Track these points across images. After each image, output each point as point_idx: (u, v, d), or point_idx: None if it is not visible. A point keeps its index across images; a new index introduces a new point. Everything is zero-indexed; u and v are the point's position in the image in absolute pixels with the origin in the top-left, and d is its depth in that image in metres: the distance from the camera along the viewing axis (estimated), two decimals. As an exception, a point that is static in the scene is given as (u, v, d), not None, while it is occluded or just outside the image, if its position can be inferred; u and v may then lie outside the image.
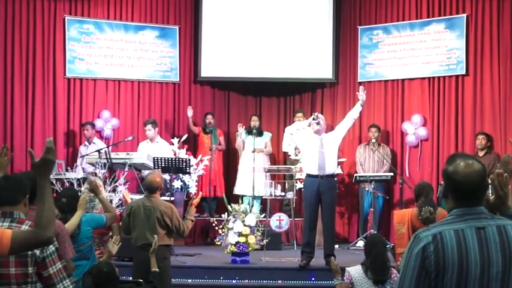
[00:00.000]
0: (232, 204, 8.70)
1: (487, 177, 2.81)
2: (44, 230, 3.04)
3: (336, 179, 8.85)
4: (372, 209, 10.37)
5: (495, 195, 3.00)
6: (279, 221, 9.30)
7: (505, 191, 2.99)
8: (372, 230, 10.15)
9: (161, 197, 6.81)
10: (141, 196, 6.94)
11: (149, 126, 10.74)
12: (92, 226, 5.92)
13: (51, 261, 3.38)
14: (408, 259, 2.72)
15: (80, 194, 6.22)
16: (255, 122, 11.23)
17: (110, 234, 6.53)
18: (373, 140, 10.69)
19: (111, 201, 8.39)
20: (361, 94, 8.55)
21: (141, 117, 11.54)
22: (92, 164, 9.62)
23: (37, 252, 3.33)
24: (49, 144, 3.00)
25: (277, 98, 12.43)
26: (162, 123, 11.70)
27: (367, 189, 10.45)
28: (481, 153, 10.03)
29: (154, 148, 10.55)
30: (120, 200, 8.57)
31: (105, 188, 7.97)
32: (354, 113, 8.58)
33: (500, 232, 2.74)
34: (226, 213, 8.68)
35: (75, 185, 8.49)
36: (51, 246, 3.36)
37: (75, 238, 5.69)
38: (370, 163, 10.78)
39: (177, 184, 10.33)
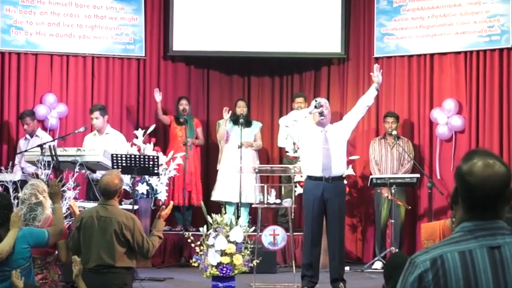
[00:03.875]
0: (213, 215, 8.67)
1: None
2: None
3: (345, 182, 8.86)
4: (392, 221, 10.34)
5: None
6: (273, 237, 9.29)
7: None
8: (393, 248, 10.14)
9: (121, 205, 6.80)
10: (95, 204, 6.90)
11: (96, 114, 10.66)
12: (29, 243, 5.90)
13: None
14: None
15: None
16: (241, 108, 11.23)
17: (56, 253, 6.48)
18: (391, 132, 10.67)
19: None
20: (377, 74, 8.54)
21: (95, 102, 11.49)
22: (33, 163, 9.56)
23: None
24: None
25: (271, 78, 12.44)
26: (122, 110, 11.74)
27: (385, 195, 10.45)
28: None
29: (104, 142, 10.50)
30: (68, 209, 8.52)
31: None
32: (367, 99, 8.57)
33: None
34: (205, 226, 8.65)
35: (11, 190, 8.42)
36: None
37: (8, 259, 5.66)
38: (388, 162, 10.80)
39: (141, 189, 10.33)
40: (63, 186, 8.67)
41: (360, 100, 8.73)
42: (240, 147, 10.54)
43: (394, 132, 10.63)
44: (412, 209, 10.79)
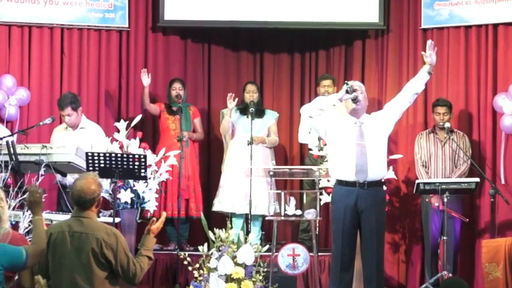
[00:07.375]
0: (216, 230, 8.70)
1: None
2: None
3: (384, 188, 8.84)
4: (444, 237, 10.31)
5: None
6: (293, 258, 9.36)
7: None
8: (445, 272, 10.11)
9: (99, 217, 6.79)
10: (67, 216, 6.89)
11: (68, 110, 10.47)
12: (2, 265, 5.90)
13: None
14: None
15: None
16: (251, 94, 11.27)
17: (16, 278, 6.49)
18: (443, 126, 10.67)
19: (16, 224, 8.36)
20: (429, 54, 8.44)
21: (65, 85, 11.55)
22: (-14, 164, 9.59)
23: None
24: None
25: (290, 55, 12.50)
26: (100, 96, 11.77)
27: (436, 204, 10.42)
28: None
29: (78, 137, 10.50)
30: (31, 223, 8.54)
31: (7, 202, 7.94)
32: (416, 85, 8.49)
33: None
34: (205, 245, 8.71)
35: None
36: None
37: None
38: (439, 162, 10.83)
39: (125, 197, 10.34)
40: (24, 193, 8.68)
41: (407, 85, 8.62)
42: (250, 143, 10.56)
43: (448, 125, 10.57)
44: (469, 222, 10.77)
